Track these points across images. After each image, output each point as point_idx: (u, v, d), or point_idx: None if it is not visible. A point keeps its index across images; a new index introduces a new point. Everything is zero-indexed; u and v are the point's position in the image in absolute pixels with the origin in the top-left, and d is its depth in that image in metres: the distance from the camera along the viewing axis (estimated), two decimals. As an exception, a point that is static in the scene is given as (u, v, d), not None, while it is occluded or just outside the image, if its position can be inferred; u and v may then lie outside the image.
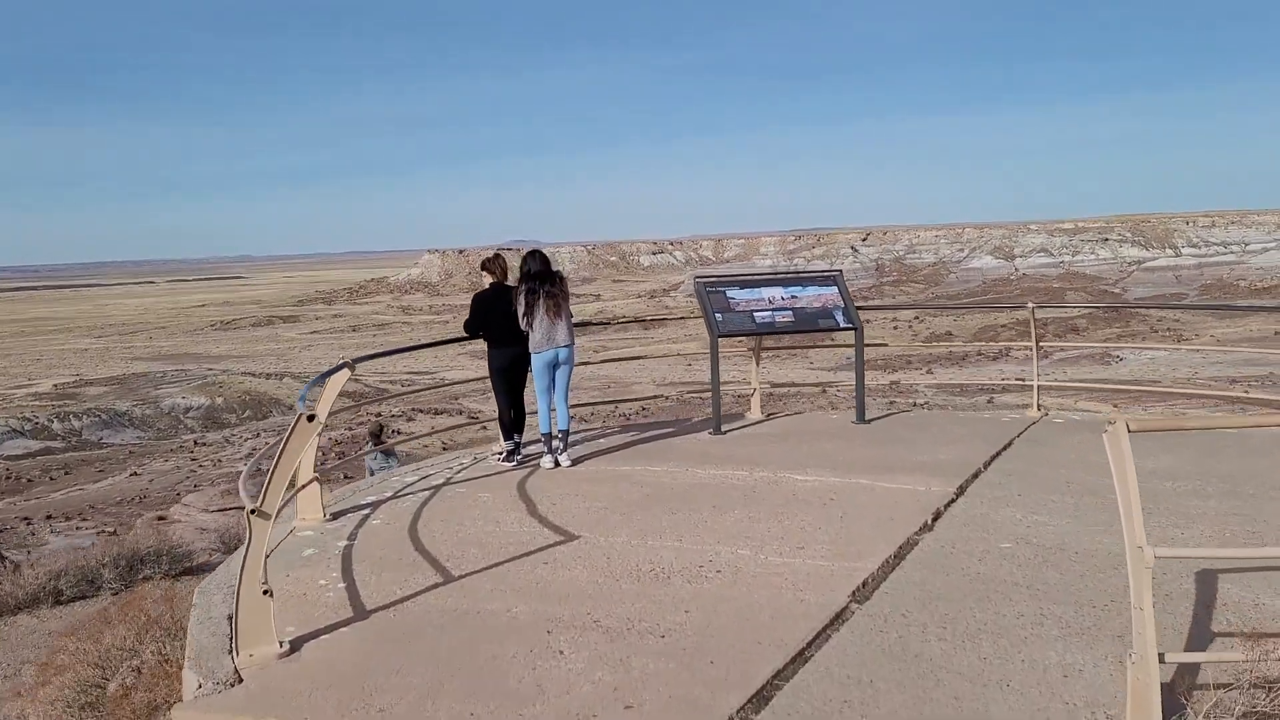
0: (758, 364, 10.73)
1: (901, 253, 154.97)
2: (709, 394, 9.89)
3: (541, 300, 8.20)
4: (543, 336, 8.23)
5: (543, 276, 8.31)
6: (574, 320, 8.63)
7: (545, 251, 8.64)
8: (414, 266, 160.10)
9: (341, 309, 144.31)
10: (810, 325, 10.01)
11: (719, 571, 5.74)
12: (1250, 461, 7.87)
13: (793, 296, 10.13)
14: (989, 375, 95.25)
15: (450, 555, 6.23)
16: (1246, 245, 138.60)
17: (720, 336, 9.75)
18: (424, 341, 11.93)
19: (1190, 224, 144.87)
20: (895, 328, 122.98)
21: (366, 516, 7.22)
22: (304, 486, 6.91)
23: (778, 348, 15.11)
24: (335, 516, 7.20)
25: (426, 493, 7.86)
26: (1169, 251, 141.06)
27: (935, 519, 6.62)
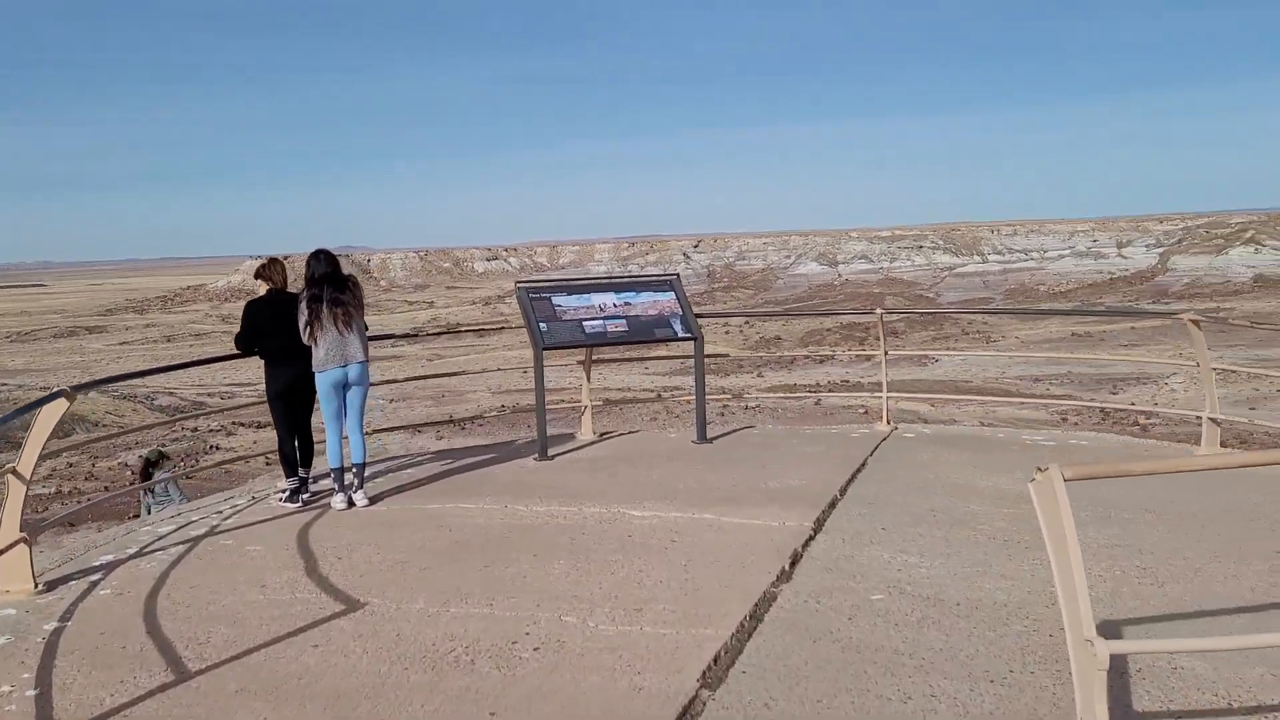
0: (589, 378, 9.59)
1: (732, 259, 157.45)
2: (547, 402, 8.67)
3: (327, 309, 6.82)
4: (328, 353, 6.83)
5: (330, 281, 6.93)
6: (372, 333, 7.28)
7: (333, 251, 7.23)
8: (235, 273, 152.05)
9: (155, 318, 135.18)
10: (646, 335, 8.94)
11: (538, 649, 4.54)
12: (1116, 481, 7.26)
13: (626, 303, 9.03)
14: (816, 378, 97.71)
15: (193, 639, 4.79)
16: (1044, 252, 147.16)
17: (545, 349, 8.55)
18: (203, 358, 10.22)
19: (995, 232, 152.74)
20: (727, 332, 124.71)
21: (94, 584, 5.65)
22: (5, 550, 5.31)
23: (612, 357, 14.03)
24: (51, 586, 5.60)
25: (182, 547, 6.33)
26: (976, 258, 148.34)
27: (794, 563, 5.61)
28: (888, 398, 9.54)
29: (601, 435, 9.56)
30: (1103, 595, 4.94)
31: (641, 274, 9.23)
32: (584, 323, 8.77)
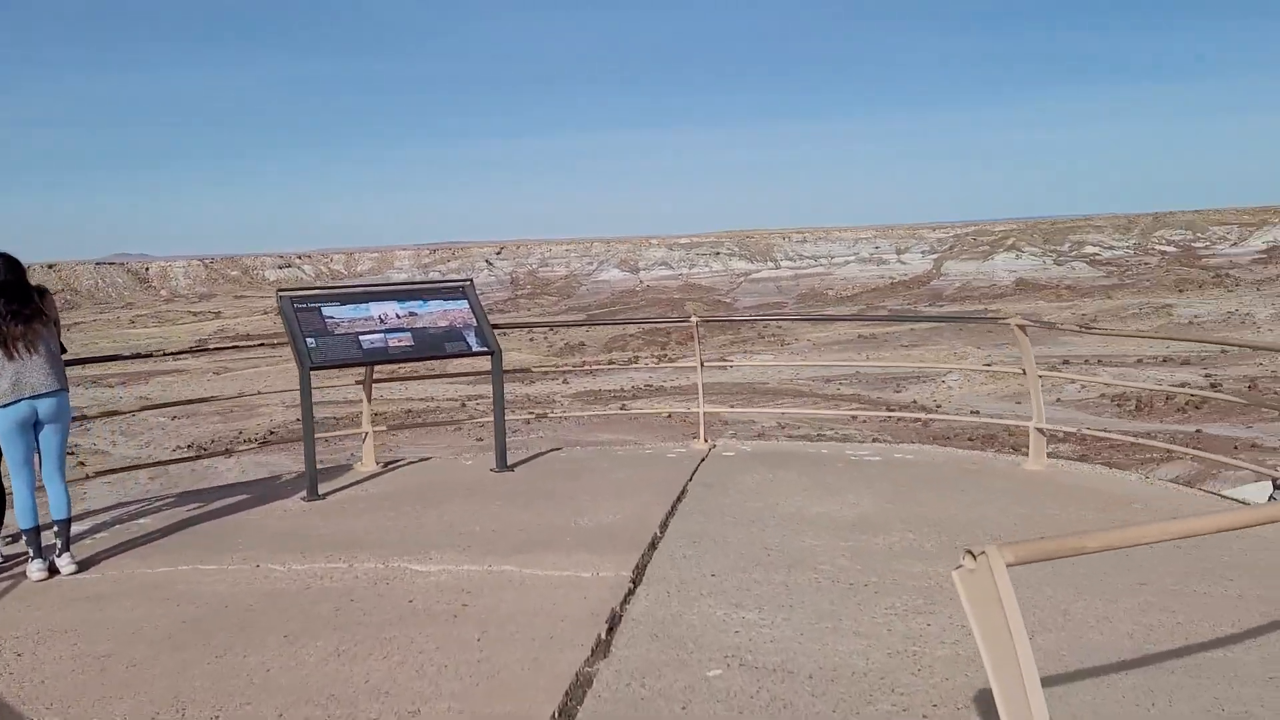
0: (369, 400, 8.26)
1: (535, 266, 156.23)
2: (339, 421, 7.28)
3: (7, 328, 5.28)
4: (11, 383, 5.30)
5: (8, 292, 5.38)
6: (87, 354, 5.76)
7: (15, 258, 5.64)
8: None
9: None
10: (434, 350, 7.71)
11: (274, 789, 3.31)
12: (948, 495, 6.63)
13: (411, 314, 7.77)
14: (622, 383, 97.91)
15: None
16: (832, 258, 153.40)
17: (313, 369, 7.19)
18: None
19: (786, 239, 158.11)
20: (531, 339, 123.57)
21: None
22: None
23: (409, 373, 12.63)
24: None
25: None
26: (770, 264, 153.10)
27: (612, 629, 4.57)
28: (705, 413, 8.69)
29: (386, 465, 8.26)
30: (962, 654, 4.15)
31: (429, 280, 7.86)
32: (361, 337, 7.45)
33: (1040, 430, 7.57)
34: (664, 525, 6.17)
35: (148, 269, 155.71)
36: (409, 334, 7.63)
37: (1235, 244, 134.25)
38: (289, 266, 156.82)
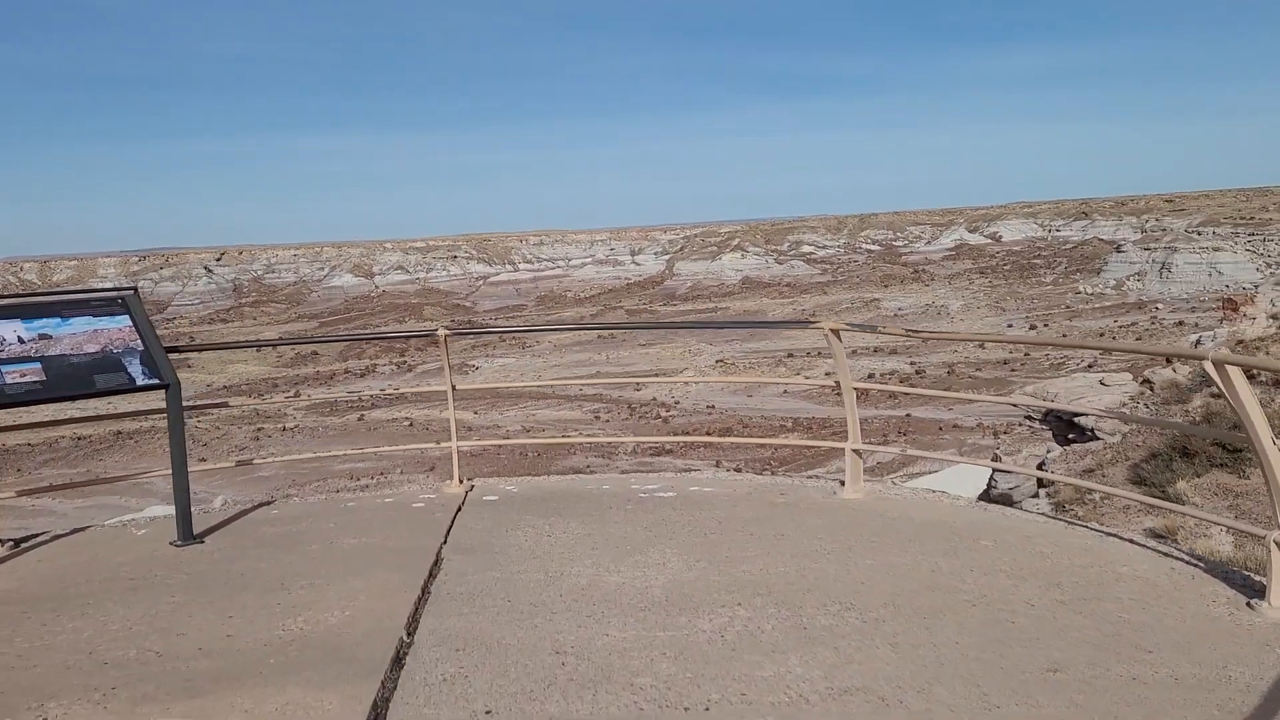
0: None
1: (260, 272, 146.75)
2: None
3: None
4: None
5: None
6: None
7: None
8: None
9: None
10: (78, 387, 5.50)
11: None
12: (767, 543, 5.29)
13: (42, 337, 5.52)
14: (358, 392, 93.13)
15: None
16: (569, 260, 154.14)
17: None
18: None
19: (524, 242, 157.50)
20: (259, 351, 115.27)
21: None
22: None
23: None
24: None
25: None
26: (509, 267, 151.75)
27: None
28: (458, 448, 6.93)
29: (21, 543, 5.92)
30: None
31: (72, 289, 5.49)
32: (-38, 373, 5.16)
33: (858, 452, 6.40)
34: (412, 624, 4.39)
35: None
36: (38, 365, 5.39)
37: (929, 242, 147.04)
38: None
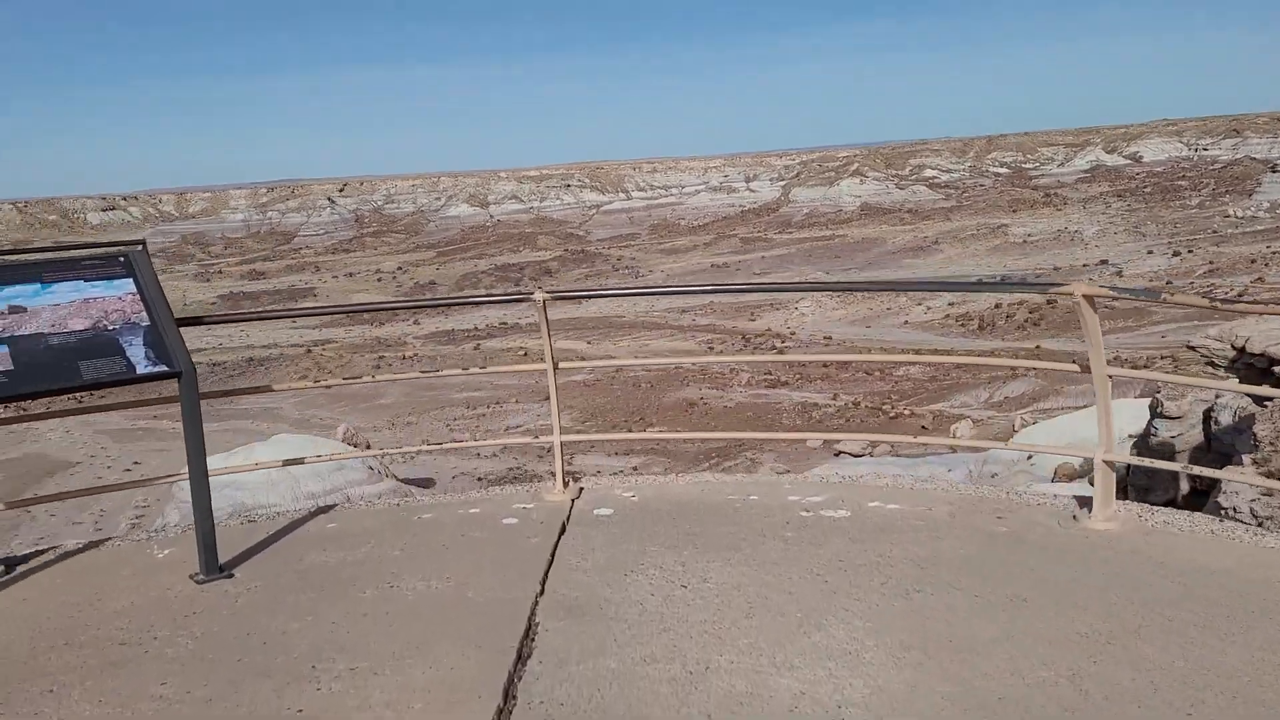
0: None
1: (380, 202, 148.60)
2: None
3: None
4: None
5: None
6: None
7: None
8: None
9: None
10: (59, 378, 4.08)
11: None
12: (1010, 610, 3.57)
13: (14, 310, 4.13)
14: (475, 322, 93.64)
15: None
16: (683, 188, 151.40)
17: None
18: None
19: (637, 170, 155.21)
20: (379, 280, 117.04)
21: None
22: None
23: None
24: None
25: None
26: (622, 195, 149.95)
27: None
28: (562, 444, 5.34)
29: (14, 566, 4.63)
30: None
31: (56, 245, 3.92)
32: (-103, 363, 3.79)
33: (1109, 464, 4.56)
34: (491, 758, 2.87)
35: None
36: (4, 349, 3.99)
37: (1062, 164, 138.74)
38: (114, 209, 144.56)
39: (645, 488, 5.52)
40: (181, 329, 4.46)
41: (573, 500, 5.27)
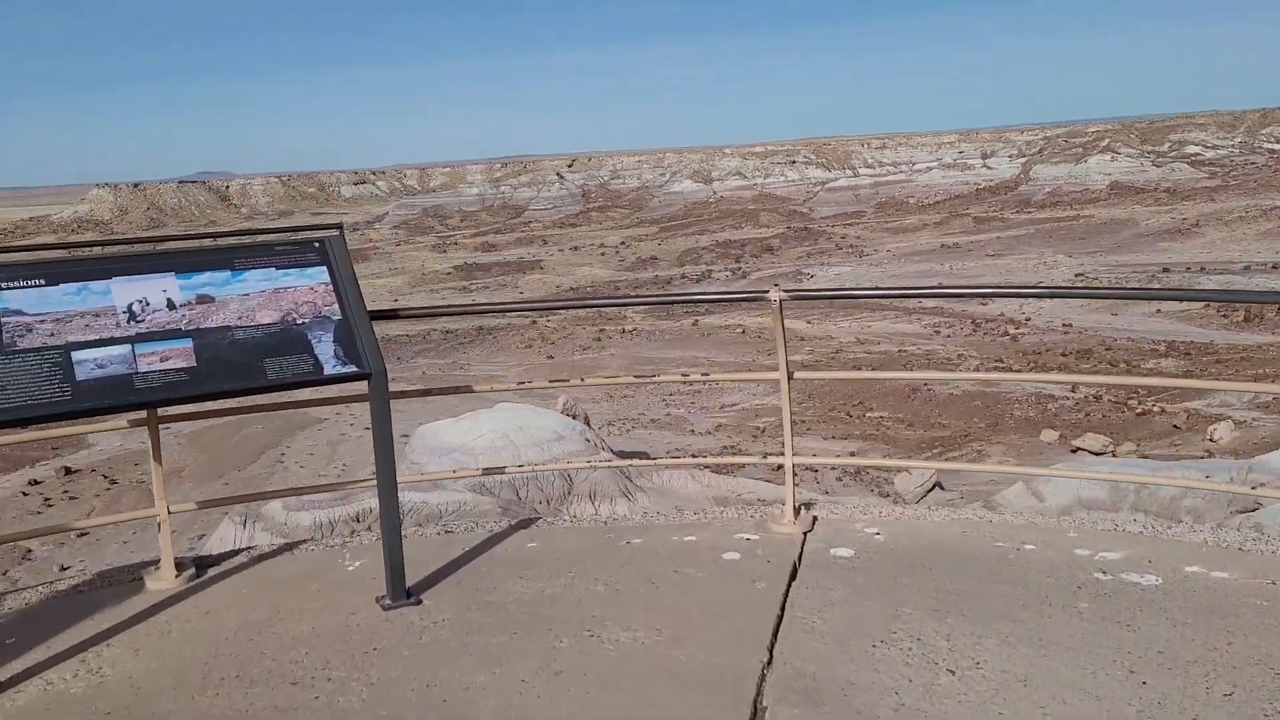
0: (158, 458, 4.28)
1: (606, 178, 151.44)
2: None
3: None
4: None
5: None
6: None
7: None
8: (80, 203, 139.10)
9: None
10: (241, 377, 3.68)
11: None
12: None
13: (202, 299, 3.77)
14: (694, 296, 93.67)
15: None
16: (913, 165, 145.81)
17: (-58, 436, 3.26)
18: None
19: (865, 146, 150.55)
20: (603, 254, 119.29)
21: None
22: None
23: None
24: None
25: None
26: (848, 172, 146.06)
27: None
28: (794, 469, 4.56)
29: (198, 569, 4.34)
30: None
31: (249, 230, 3.43)
32: (76, 356, 3.48)
33: None
34: None
35: (228, 187, 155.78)
36: (189, 343, 3.64)
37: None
38: (364, 183, 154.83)
39: (892, 523, 4.65)
40: (374, 323, 3.99)
41: (805, 534, 4.49)
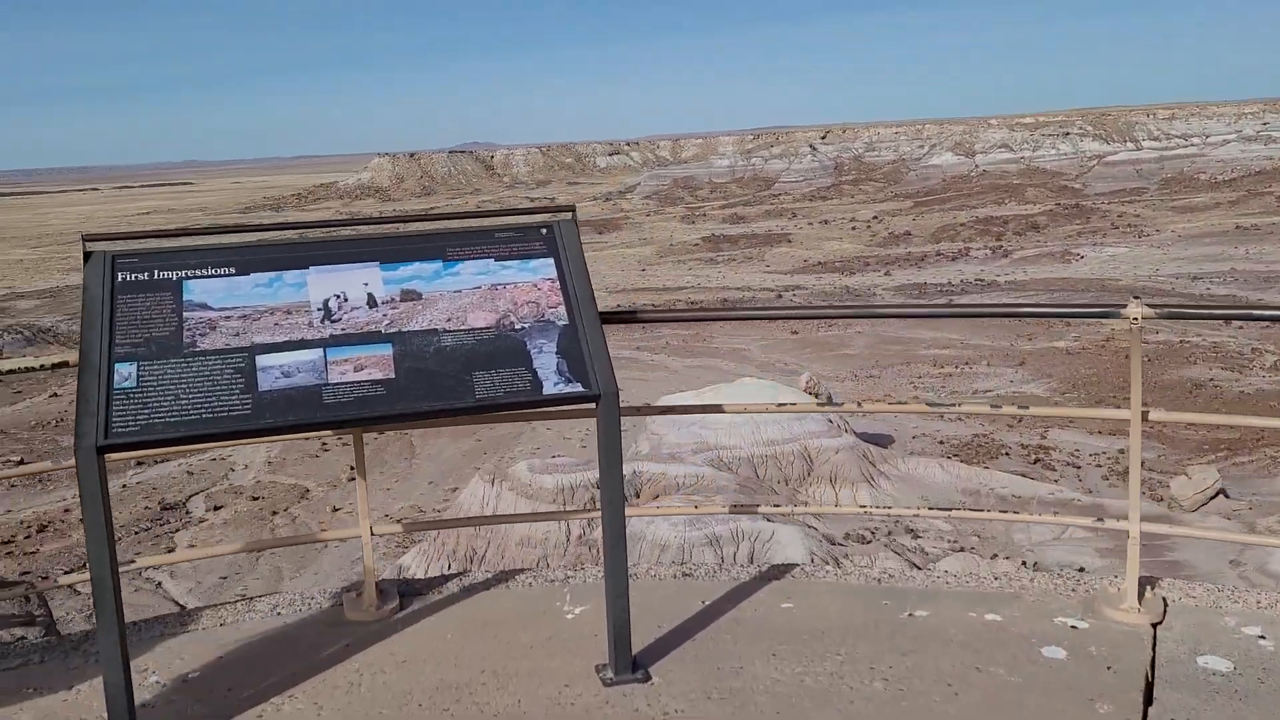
0: (363, 473, 3.69)
1: (861, 150, 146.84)
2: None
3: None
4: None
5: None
6: None
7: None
8: (364, 171, 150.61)
9: (289, 215, 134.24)
10: (452, 395, 2.99)
11: None
12: None
13: (408, 296, 3.13)
14: (949, 275, 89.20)
15: None
16: (1207, 137, 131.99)
17: (104, 450, 2.76)
18: None
19: (1151, 116, 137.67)
20: (854, 228, 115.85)
21: None
22: None
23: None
24: None
25: None
26: (1129, 145, 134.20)
27: None
28: (1140, 538, 3.42)
29: (401, 600, 3.77)
30: None
31: (458, 212, 2.72)
32: (261, 361, 2.92)
33: None
34: None
35: (493, 156, 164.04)
36: (389, 349, 3.00)
37: None
38: (618, 153, 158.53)
39: (1270, 610, 3.42)
40: (606, 327, 3.22)
41: (1154, 626, 3.35)
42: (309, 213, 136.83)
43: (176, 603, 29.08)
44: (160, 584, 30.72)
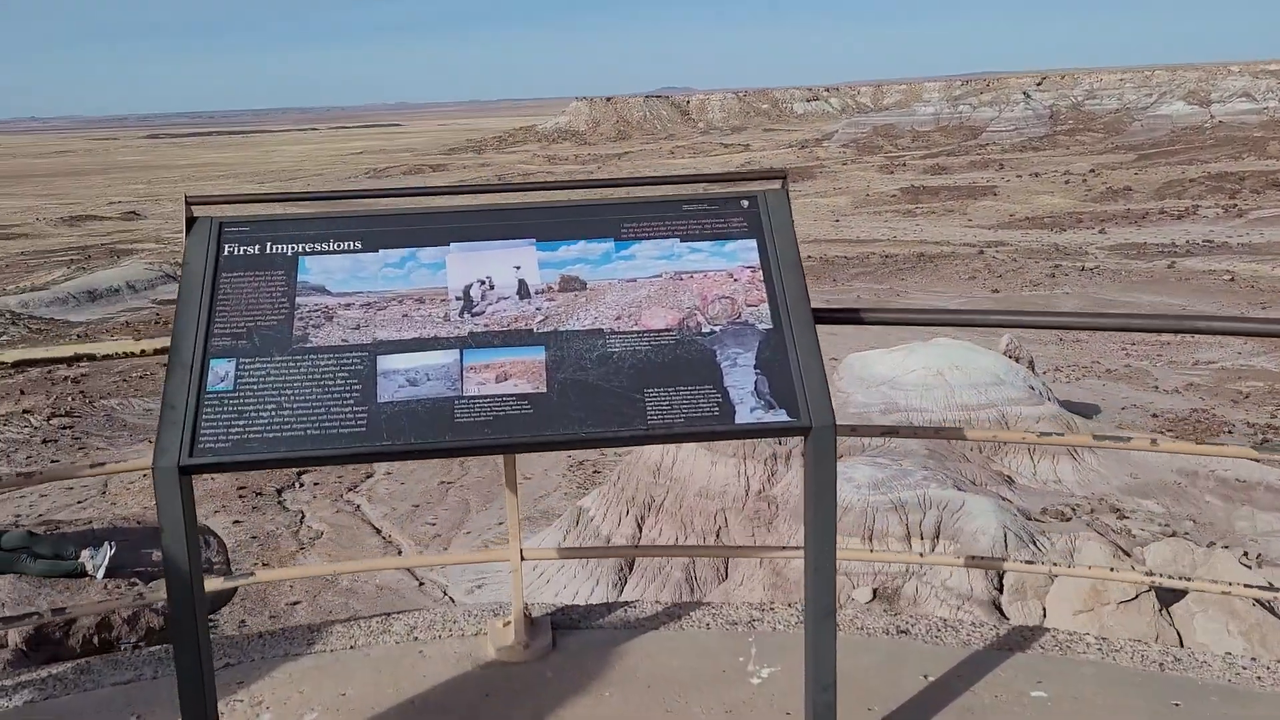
0: (514, 487, 3.09)
1: (1080, 98, 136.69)
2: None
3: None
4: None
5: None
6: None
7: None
8: (561, 114, 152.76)
9: (489, 158, 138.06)
10: (614, 421, 2.30)
11: None
12: None
13: (569, 284, 2.44)
14: (1173, 235, 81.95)
15: None
16: None
17: (187, 469, 2.23)
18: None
19: None
20: (1067, 182, 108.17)
21: None
22: None
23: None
24: None
25: None
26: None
27: None
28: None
29: (531, 628, 3.16)
30: None
31: (634, 177, 1.96)
32: (384, 363, 2.31)
33: None
34: None
35: (689, 102, 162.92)
36: (541, 354, 2.33)
37: None
38: (816, 99, 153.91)
39: None
40: (820, 328, 2.43)
41: None
42: (507, 155, 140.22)
43: (373, 526, 30.43)
44: (358, 507, 32.24)
